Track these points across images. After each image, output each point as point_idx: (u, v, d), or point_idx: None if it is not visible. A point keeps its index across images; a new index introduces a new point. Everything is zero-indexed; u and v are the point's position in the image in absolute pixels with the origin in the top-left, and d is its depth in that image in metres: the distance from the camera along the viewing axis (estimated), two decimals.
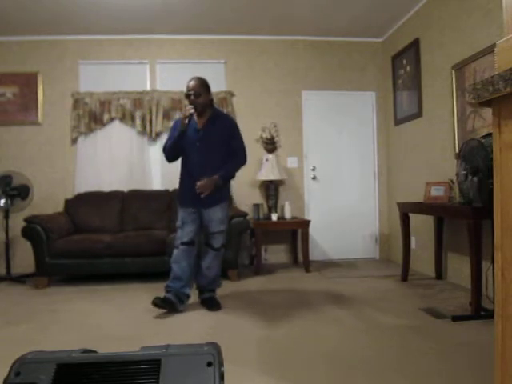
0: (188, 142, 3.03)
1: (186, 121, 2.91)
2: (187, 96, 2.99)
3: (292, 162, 5.15)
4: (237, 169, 3.14)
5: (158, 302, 2.94)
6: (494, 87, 0.93)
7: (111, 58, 4.94)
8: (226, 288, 3.69)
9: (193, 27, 4.79)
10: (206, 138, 3.02)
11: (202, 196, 2.96)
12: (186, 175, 3.10)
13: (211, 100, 3.10)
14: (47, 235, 3.95)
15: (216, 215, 3.06)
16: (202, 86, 3.01)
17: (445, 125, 3.90)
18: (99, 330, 2.70)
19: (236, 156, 3.13)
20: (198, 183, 2.95)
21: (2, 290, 3.93)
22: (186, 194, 3.09)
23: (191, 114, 2.92)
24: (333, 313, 2.97)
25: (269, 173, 4.69)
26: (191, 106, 2.93)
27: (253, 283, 4.00)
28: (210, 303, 3.16)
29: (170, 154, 3.11)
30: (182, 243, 3.07)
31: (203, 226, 3.12)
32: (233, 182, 4.99)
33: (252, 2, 4.19)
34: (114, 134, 4.87)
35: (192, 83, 2.99)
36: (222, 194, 3.09)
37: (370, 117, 5.29)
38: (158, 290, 3.11)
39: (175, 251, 3.09)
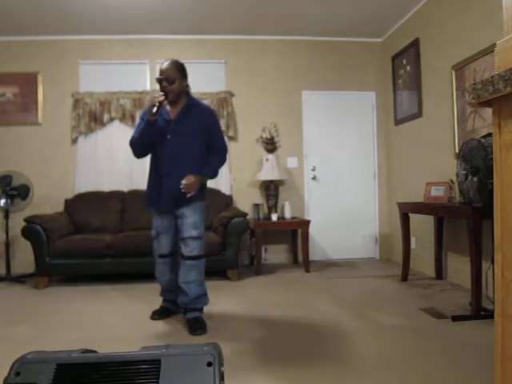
0: (158, 135, 2.62)
1: (154, 110, 2.47)
2: (159, 81, 2.56)
3: (292, 162, 5.14)
4: (220, 167, 2.77)
5: (157, 317, 2.89)
6: (494, 87, 0.93)
7: (111, 58, 4.94)
8: (226, 288, 3.69)
9: (193, 27, 4.79)
10: (179, 130, 2.62)
11: (188, 195, 2.55)
12: (155, 173, 2.70)
13: (187, 87, 2.69)
14: (47, 235, 3.95)
15: (187, 217, 2.63)
16: (178, 70, 2.59)
17: (445, 125, 3.90)
18: (99, 330, 2.70)
19: (217, 153, 2.74)
20: (184, 181, 2.51)
21: (2, 289, 3.93)
22: (154, 194, 2.71)
23: (160, 103, 2.49)
24: (333, 313, 2.97)
25: (269, 173, 4.69)
26: (161, 93, 2.52)
27: (253, 283, 4.00)
28: (193, 325, 2.61)
29: (137, 148, 2.69)
30: (161, 256, 2.80)
31: (177, 230, 2.70)
32: (233, 182, 5.00)
33: (252, 2, 4.19)
34: (114, 134, 4.87)
35: (165, 66, 2.56)
36: (196, 192, 2.63)
37: (370, 117, 5.28)
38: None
39: (156, 264, 2.84)
